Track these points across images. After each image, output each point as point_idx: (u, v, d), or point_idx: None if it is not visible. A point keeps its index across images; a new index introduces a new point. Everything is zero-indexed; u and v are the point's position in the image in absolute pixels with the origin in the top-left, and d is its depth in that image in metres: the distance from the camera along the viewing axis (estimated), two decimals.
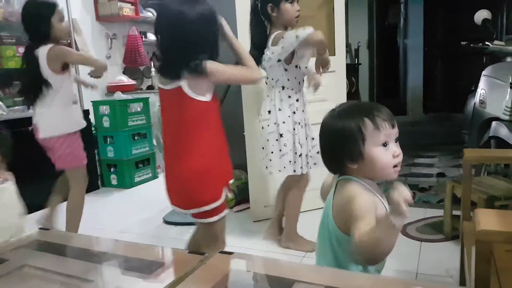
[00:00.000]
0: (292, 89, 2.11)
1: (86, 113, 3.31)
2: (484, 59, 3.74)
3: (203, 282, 0.87)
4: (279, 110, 2.10)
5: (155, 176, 4.11)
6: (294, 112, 2.10)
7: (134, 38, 4.14)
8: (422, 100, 7.21)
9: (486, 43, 3.05)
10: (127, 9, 4.05)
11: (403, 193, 0.76)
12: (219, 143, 1.48)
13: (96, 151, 3.95)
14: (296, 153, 2.10)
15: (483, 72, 3.11)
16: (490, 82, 3.02)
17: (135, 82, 4.27)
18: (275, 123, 2.10)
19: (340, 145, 0.95)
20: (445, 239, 2.24)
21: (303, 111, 2.15)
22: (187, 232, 2.64)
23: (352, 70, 3.81)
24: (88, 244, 1.17)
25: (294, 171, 2.12)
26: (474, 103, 3.12)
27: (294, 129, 2.09)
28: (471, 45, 3.11)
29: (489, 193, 2.00)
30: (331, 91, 2.82)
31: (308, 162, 2.15)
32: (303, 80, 2.18)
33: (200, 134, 1.41)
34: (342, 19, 2.78)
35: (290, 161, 2.11)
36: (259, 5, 2.07)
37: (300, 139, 2.11)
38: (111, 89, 4.01)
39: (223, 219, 1.50)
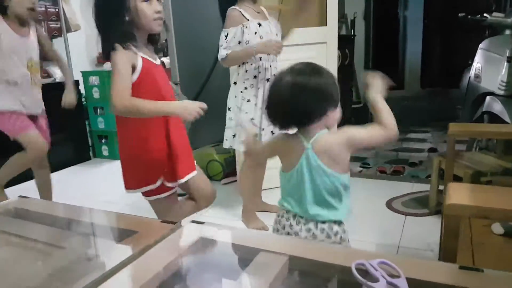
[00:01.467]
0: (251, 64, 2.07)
1: (76, 83, 3.25)
2: (486, 33, 3.65)
3: (172, 249, 0.87)
4: (234, 83, 2.12)
5: None
6: (245, 88, 2.07)
7: None
8: (419, 75, 7.11)
9: (485, 14, 2.97)
10: None
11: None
12: (152, 135, 1.47)
13: (86, 122, 3.91)
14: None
15: (480, 45, 3.04)
16: (486, 55, 2.95)
17: None
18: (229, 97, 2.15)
19: (325, 97, 1.05)
20: (430, 214, 2.24)
21: (258, 88, 2.09)
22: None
23: (346, 42, 3.72)
24: (65, 212, 1.16)
25: (231, 146, 2.15)
26: (469, 77, 3.06)
27: (241, 104, 2.08)
28: (469, 17, 3.03)
29: (475, 169, 1.98)
30: (321, 63, 2.73)
31: None
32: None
33: (126, 125, 1.46)
34: None
35: (233, 135, 2.13)
36: None
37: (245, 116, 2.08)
38: (101, 60, 3.93)
39: (164, 200, 1.58)
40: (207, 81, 3.17)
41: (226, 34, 2.02)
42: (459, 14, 3.07)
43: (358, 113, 4.54)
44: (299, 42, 2.65)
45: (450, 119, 3.40)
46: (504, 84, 2.70)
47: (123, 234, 0.95)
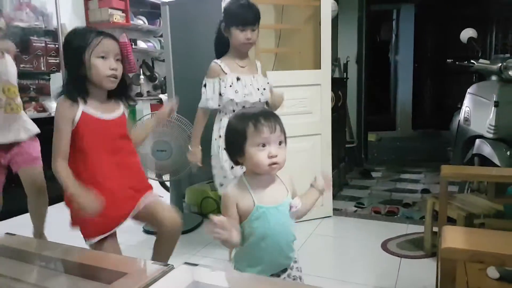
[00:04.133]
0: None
1: None
2: (474, 77, 3.78)
3: None
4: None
5: None
6: (220, 136, 2.08)
7: (124, 45, 4.12)
8: (411, 116, 7.26)
9: (472, 61, 3.09)
10: (118, 16, 4.04)
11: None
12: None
13: None
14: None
15: (468, 90, 3.13)
16: (475, 100, 3.04)
17: None
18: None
19: (230, 142, 1.16)
20: (425, 256, 2.23)
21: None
22: None
23: (340, 84, 3.82)
24: (52, 251, 1.14)
25: None
26: (459, 121, 3.14)
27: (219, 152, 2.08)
28: (457, 63, 3.14)
29: (468, 211, 1.99)
30: (316, 104, 2.83)
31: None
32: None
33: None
34: (328, 33, 2.80)
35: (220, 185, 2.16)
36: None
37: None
38: None
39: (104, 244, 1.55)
40: None
41: (204, 84, 2.07)
42: (447, 60, 3.19)
43: (353, 152, 4.59)
44: (294, 84, 2.73)
45: (442, 160, 3.47)
46: (493, 127, 2.77)
47: (112, 276, 0.93)
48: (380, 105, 7.74)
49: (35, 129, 2.25)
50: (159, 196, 1.71)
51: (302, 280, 1.24)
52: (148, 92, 4.76)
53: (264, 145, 1.08)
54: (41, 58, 3.36)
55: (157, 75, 4.77)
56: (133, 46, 4.28)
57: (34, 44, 3.34)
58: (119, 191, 1.55)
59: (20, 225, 2.28)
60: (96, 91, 1.50)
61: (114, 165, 1.54)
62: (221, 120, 2.10)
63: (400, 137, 7.06)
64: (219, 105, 2.07)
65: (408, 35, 7.14)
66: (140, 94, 4.41)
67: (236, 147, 1.12)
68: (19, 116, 2.18)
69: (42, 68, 3.40)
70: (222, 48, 2.10)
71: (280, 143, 1.11)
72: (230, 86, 2.01)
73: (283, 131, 1.12)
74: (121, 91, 1.57)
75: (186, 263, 0.98)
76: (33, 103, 3.38)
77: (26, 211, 2.34)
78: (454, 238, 0.88)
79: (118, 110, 1.58)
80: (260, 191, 1.12)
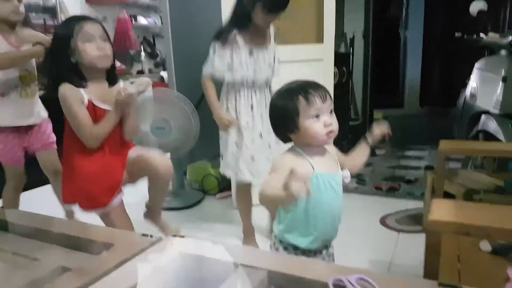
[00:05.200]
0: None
1: None
2: (486, 53, 3.68)
3: (149, 264, 0.85)
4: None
5: None
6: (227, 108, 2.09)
7: (124, 22, 4.08)
8: (419, 94, 7.15)
9: (480, 35, 3.00)
10: None
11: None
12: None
13: None
14: None
15: (476, 65, 3.06)
16: (482, 75, 2.97)
17: (124, 67, 4.22)
18: None
19: (280, 120, 1.13)
20: (423, 231, 2.22)
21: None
22: (170, 217, 2.64)
23: (344, 60, 3.75)
24: (42, 223, 1.15)
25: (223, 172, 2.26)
26: (465, 97, 3.08)
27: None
28: (465, 36, 3.05)
29: (468, 186, 1.96)
30: (318, 80, 2.76)
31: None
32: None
33: None
34: (332, 6, 2.72)
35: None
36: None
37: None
38: None
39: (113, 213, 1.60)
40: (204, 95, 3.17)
41: (214, 50, 1.99)
42: (455, 34, 3.10)
43: (357, 130, 4.55)
44: (295, 59, 2.67)
45: (448, 137, 3.42)
46: (499, 103, 2.71)
47: (100, 247, 0.94)
48: (388, 82, 7.61)
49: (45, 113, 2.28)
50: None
51: (334, 257, 1.26)
52: (150, 69, 4.73)
53: (317, 116, 1.07)
54: None
55: (158, 52, 4.73)
56: (133, 22, 4.23)
57: (32, 21, 3.30)
58: (111, 154, 1.62)
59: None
60: (93, 76, 1.55)
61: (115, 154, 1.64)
62: (228, 93, 2.06)
63: (407, 114, 6.98)
64: (227, 79, 2.02)
65: (418, 10, 6.96)
66: (141, 72, 4.38)
67: (288, 123, 1.09)
68: (34, 100, 2.19)
69: None
70: (240, 18, 1.97)
71: (331, 111, 1.10)
72: (244, 61, 1.96)
73: (331, 99, 1.11)
74: (113, 71, 1.63)
75: (174, 235, 0.99)
76: None
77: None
78: (441, 211, 0.87)
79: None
80: (317, 160, 1.11)
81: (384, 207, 2.65)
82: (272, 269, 0.80)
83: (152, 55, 4.78)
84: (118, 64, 4.09)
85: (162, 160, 1.67)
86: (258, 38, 2.02)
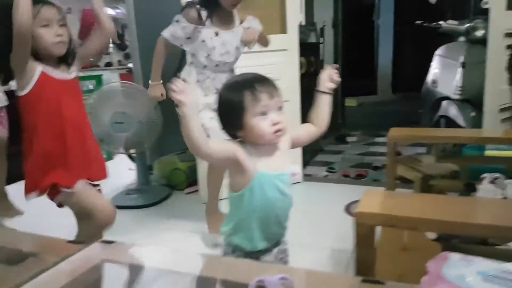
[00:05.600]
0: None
1: None
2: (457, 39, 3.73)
3: (67, 273, 0.82)
4: None
5: (109, 158, 4.02)
6: None
7: (89, 13, 3.96)
8: (391, 80, 7.23)
9: (439, 22, 3.04)
10: None
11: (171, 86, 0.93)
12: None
13: None
14: None
15: (436, 52, 3.11)
16: (442, 61, 3.02)
17: (91, 59, 4.13)
18: None
19: (226, 116, 1.07)
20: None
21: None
22: (136, 215, 2.61)
23: (313, 49, 3.75)
24: None
25: None
26: (426, 82, 3.13)
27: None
28: (425, 24, 3.10)
29: (425, 172, 2.01)
30: (283, 70, 2.78)
31: None
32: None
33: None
34: None
35: None
36: None
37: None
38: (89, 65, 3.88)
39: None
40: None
41: (177, 19, 1.98)
42: (416, 22, 3.14)
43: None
44: (260, 49, 2.66)
45: (418, 123, 3.49)
46: (459, 88, 2.77)
47: (21, 256, 0.91)
48: (362, 70, 7.67)
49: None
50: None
51: (288, 253, 1.21)
52: (119, 61, 4.65)
53: (265, 114, 1.01)
54: None
55: (128, 43, 4.63)
56: None
57: None
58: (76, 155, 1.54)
59: None
60: (46, 57, 1.48)
61: (77, 136, 1.53)
62: (190, 74, 2.04)
63: (381, 101, 7.05)
64: (186, 49, 2.03)
65: None
66: (110, 64, 4.30)
67: (234, 121, 1.04)
68: None
69: None
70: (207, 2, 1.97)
71: (279, 108, 1.04)
72: (204, 41, 1.95)
73: (280, 95, 1.05)
74: (69, 55, 1.55)
75: (102, 240, 0.96)
76: None
77: None
78: (370, 202, 0.88)
79: (72, 74, 1.56)
80: (262, 158, 1.05)
81: (351, 194, 2.67)
82: (197, 273, 0.80)
83: (121, 46, 4.69)
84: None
85: (104, 208, 1.56)
86: (224, 20, 2.02)
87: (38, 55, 1.46)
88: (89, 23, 4.01)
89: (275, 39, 2.76)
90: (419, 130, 1.68)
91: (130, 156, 3.15)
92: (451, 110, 2.78)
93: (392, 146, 1.51)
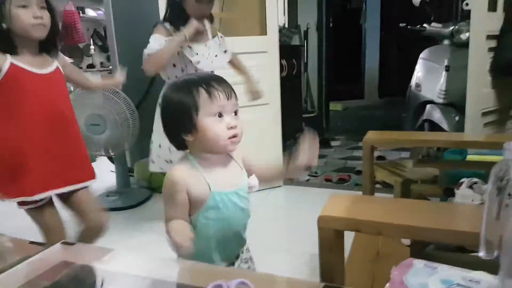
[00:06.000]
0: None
1: None
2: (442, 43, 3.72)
3: (23, 274, 0.79)
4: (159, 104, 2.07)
5: (92, 160, 3.94)
6: None
7: (70, 14, 3.89)
8: (377, 85, 7.25)
9: (424, 25, 3.03)
10: None
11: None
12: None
13: None
14: None
15: (420, 55, 3.09)
16: (426, 65, 3.01)
17: (72, 60, 4.05)
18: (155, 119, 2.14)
19: (175, 117, 0.93)
20: None
21: None
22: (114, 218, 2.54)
23: (294, 52, 3.72)
24: None
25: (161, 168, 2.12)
26: (410, 86, 3.11)
27: None
28: (408, 27, 3.08)
29: (405, 177, 1.98)
30: (262, 72, 2.73)
31: None
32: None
33: None
34: None
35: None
36: None
37: None
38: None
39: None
40: (150, 87, 3.06)
41: (151, 38, 1.94)
42: (400, 24, 3.13)
43: (313, 122, 4.55)
44: (239, 51, 2.61)
45: (402, 128, 3.47)
46: (443, 92, 2.75)
47: None
48: (349, 74, 7.68)
49: None
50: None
51: (252, 260, 1.10)
52: (101, 63, 4.56)
53: (220, 115, 0.90)
54: None
55: (50, 44, 4.55)
56: (81, 15, 4.05)
57: None
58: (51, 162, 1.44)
59: None
60: (25, 44, 1.39)
61: (50, 132, 1.43)
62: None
63: (367, 105, 7.06)
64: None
65: (375, 2, 7.03)
66: (92, 66, 4.22)
67: (184, 122, 0.90)
68: None
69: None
70: (173, 10, 1.94)
71: (236, 112, 0.93)
72: (182, 57, 1.93)
73: (237, 99, 0.94)
74: (51, 42, 1.46)
75: (63, 242, 0.92)
76: None
77: None
78: (335, 206, 0.83)
79: (52, 64, 1.47)
80: (214, 174, 0.93)
81: None
82: (154, 277, 0.75)
83: (103, 48, 4.60)
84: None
85: (96, 216, 1.57)
86: (196, 34, 1.96)
87: (15, 43, 1.37)
88: (70, 24, 3.94)
89: (255, 41, 2.74)
90: (396, 134, 1.65)
91: (110, 158, 3.08)
92: (435, 114, 2.76)
93: (368, 149, 1.47)
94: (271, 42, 2.74)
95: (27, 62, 1.39)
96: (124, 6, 3.01)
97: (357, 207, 0.82)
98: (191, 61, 1.95)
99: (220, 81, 0.93)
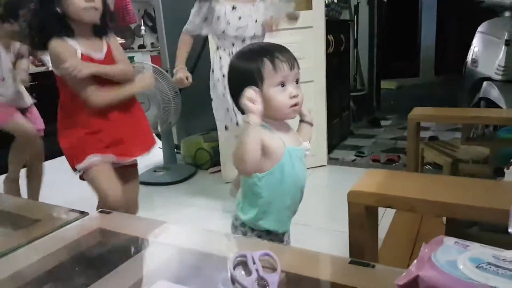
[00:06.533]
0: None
1: None
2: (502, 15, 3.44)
3: (63, 239, 0.84)
4: (212, 71, 2.05)
5: None
6: (224, 76, 1.96)
7: None
8: (433, 61, 6.87)
9: None
10: None
11: (245, 93, 0.87)
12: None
13: None
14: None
15: (478, 29, 2.88)
16: (484, 39, 2.80)
17: (123, 41, 4.19)
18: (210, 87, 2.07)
19: (240, 86, 0.95)
20: None
21: None
22: (161, 191, 2.65)
23: (342, 27, 3.59)
24: None
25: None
26: (466, 62, 2.92)
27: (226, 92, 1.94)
28: None
29: (456, 157, 1.88)
30: (307, 48, 2.68)
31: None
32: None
33: None
34: None
35: (225, 127, 2.06)
36: None
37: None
38: None
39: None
40: (195, 67, 3.11)
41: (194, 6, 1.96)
42: None
43: (362, 101, 4.41)
44: (283, 26, 2.57)
45: (461, 106, 3.28)
46: (502, 68, 2.56)
47: (23, 222, 0.93)
48: (404, 50, 7.33)
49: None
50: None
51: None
52: (152, 43, 4.68)
53: (283, 85, 0.94)
54: None
55: (104, 27, 4.65)
56: None
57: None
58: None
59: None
60: (80, 28, 1.41)
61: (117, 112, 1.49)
62: (220, 58, 1.97)
63: (423, 83, 6.73)
64: (206, 34, 2.00)
65: None
66: (142, 46, 4.34)
67: None
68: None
69: None
70: None
71: (297, 81, 0.98)
72: (224, 15, 1.88)
73: (299, 68, 0.98)
74: (103, 25, 1.47)
75: (101, 211, 0.96)
76: (30, 57, 3.38)
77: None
78: (368, 182, 0.81)
79: (103, 48, 1.49)
80: (283, 134, 0.99)
81: None
82: (182, 246, 0.77)
83: (153, 28, 4.72)
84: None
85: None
86: None
87: (72, 27, 1.39)
88: (122, 5, 4.06)
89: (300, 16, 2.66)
90: (444, 110, 1.55)
91: (158, 135, 3.18)
92: (493, 92, 2.58)
93: (414, 125, 1.41)
94: (316, 17, 2.66)
95: (85, 47, 1.42)
96: None
97: (390, 183, 0.79)
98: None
99: (283, 51, 0.96)
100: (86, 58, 1.40)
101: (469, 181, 0.85)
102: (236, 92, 0.98)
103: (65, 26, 1.38)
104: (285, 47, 0.98)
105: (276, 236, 1.06)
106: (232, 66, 1.03)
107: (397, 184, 0.79)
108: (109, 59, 1.50)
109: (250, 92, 0.87)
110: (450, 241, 0.63)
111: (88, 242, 0.86)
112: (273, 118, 0.98)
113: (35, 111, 2.33)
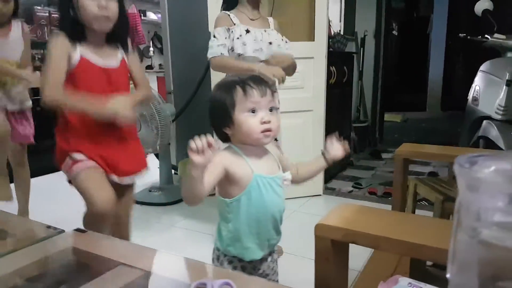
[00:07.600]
0: None
1: None
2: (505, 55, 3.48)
3: (33, 255, 0.84)
4: None
5: None
6: None
7: (132, 17, 4.12)
8: (440, 97, 6.90)
9: (486, 36, 2.84)
10: None
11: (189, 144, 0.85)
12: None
13: None
14: None
15: (480, 67, 2.90)
16: (486, 78, 2.81)
17: None
18: None
19: (217, 112, 1.03)
20: None
21: None
22: (151, 212, 2.65)
23: (346, 59, 3.63)
24: None
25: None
26: (467, 100, 2.93)
27: None
28: (468, 37, 2.91)
29: (447, 194, 1.85)
30: (308, 78, 2.71)
31: None
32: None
33: None
34: (324, 4, 2.64)
35: None
36: None
37: None
38: None
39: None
40: (198, 89, 3.15)
41: (213, 34, 1.92)
42: (459, 35, 2.95)
43: (364, 132, 4.42)
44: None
45: (461, 143, 3.27)
46: (502, 108, 2.56)
47: (3, 235, 0.94)
48: (411, 84, 7.38)
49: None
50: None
51: (277, 263, 1.17)
52: (160, 65, 4.77)
53: (254, 111, 0.98)
54: (45, 27, 3.41)
55: (119, 36, 4.75)
56: (142, 17, 4.28)
57: (37, 13, 3.39)
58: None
59: None
60: (92, 35, 1.39)
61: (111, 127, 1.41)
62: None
63: (429, 118, 6.74)
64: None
65: (441, 10, 6.71)
66: (150, 67, 4.43)
67: (223, 117, 1.00)
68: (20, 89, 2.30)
69: (46, 38, 3.47)
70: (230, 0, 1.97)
71: (271, 109, 1.00)
72: (238, 38, 1.86)
73: (275, 97, 1.03)
74: (118, 35, 1.44)
75: (76, 229, 0.96)
76: (38, 72, 3.47)
77: None
78: (336, 215, 0.81)
79: (117, 57, 1.46)
80: (255, 160, 1.02)
81: None
82: (148, 270, 0.77)
83: (162, 50, 4.82)
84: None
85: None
86: (254, 20, 1.96)
87: (84, 32, 1.37)
88: (132, 26, 4.17)
89: (301, 46, 2.71)
90: (431, 147, 1.55)
91: (157, 155, 3.20)
92: (492, 131, 2.57)
93: (401, 161, 1.40)
94: (318, 48, 2.70)
95: (91, 53, 1.39)
96: (179, 11, 3.13)
97: (358, 218, 0.79)
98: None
99: (257, 80, 1.01)
100: (85, 61, 1.38)
101: (441, 221, 0.84)
102: (214, 120, 1.05)
103: (77, 29, 1.36)
104: (261, 78, 1.03)
105: (249, 263, 1.06)
106: (211, 96, 1.06)
107: (366, 219, 0.79)
108: (124, 69, 1.48)
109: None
110: (404, 281, 0.63)
111: (57, 260, 0.86)
112: (245, 143, 1.01)
113: (27, 115, 2.33)
